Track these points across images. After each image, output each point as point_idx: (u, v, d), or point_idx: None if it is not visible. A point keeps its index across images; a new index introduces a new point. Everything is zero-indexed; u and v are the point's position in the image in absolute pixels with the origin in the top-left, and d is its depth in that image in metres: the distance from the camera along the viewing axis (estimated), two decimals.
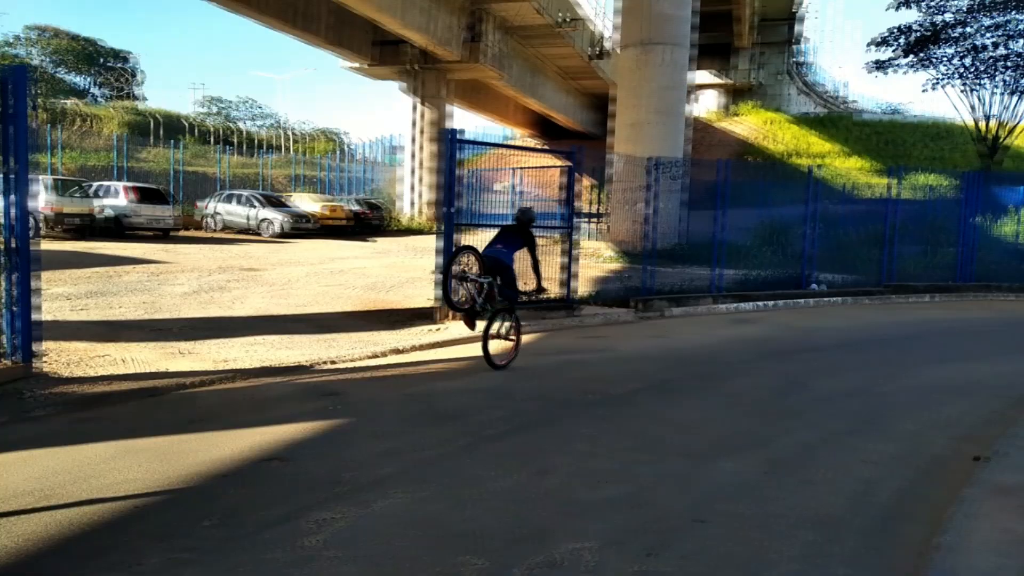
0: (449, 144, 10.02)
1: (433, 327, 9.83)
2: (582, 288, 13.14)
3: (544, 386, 7.28)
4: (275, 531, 3.77)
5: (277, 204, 23.46)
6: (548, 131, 44.69)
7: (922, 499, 4.52)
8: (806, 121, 45.28)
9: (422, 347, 8.76)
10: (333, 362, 7.83)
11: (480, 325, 8.00)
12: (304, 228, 22.49)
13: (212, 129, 40.58)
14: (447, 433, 5.55)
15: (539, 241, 8.89)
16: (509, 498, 4.35)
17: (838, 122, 46.15)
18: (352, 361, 7.97)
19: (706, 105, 48.54)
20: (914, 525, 4.13)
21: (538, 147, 33.29)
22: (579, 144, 12.79)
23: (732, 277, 14.51)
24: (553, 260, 11.65)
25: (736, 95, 49.24)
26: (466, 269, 7.82)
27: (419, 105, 28.66)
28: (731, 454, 5.26)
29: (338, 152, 47.83)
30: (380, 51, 27.57)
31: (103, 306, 10.03)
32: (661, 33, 19.75)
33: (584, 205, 27.28)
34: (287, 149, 42.75)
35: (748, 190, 20.03)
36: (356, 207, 26.29)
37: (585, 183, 27.95)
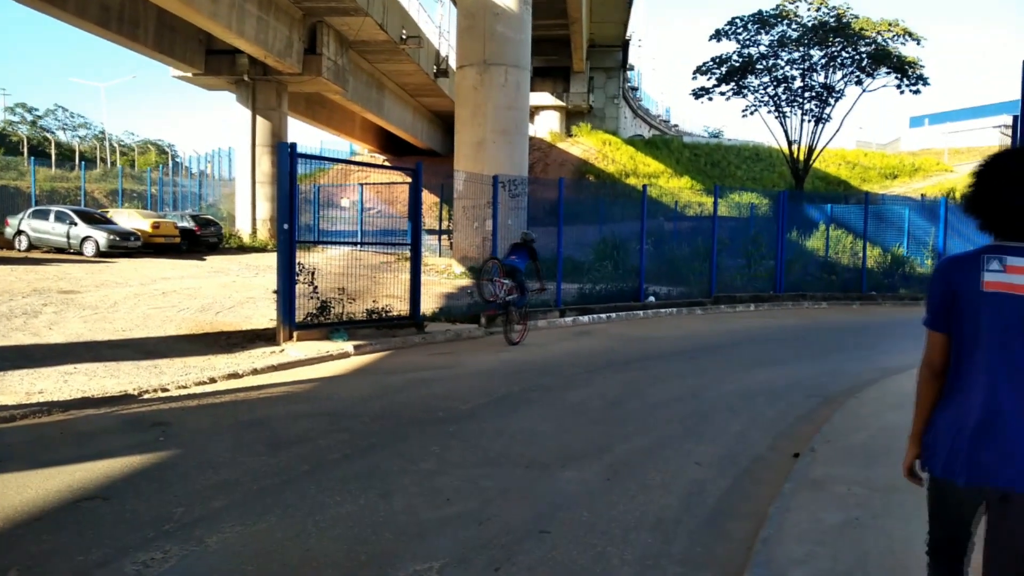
0: (286, 158, 9.68)
1: (273, 349, 9.42)
2: (431, 304, 13.12)
3: (390, 405, 7.16)
4: None
5: (97, 221, 21.65)
6: (394, 147, 44.35)
7: (747, 496, 4.85)
8: (638, 143, 47.87)
9: (260, 371, 8.36)
10: (162, 390, 7.31)
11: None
12: (128, 246, 20.89)
13: (21, 139, 36.91)
14: (286, 460, 5.32)
15: (387, 258, 11.27)
16: (352, 523, 4.22)
17: (667, 144, 49.17)
18: (183, 388, 7.47)
19: (547, 126, 50.10)
20: (740, 521, 4.42)
21: (381, 163, 33.01)
22: (425, 161, 12.79)
23: (574, 291, 15.02)
24: (401, 277, 11.55)
25: (575, 117, 51.21)
26: (491, 277, 10.93)
27: (256, 117, 27.55)
28: (573, 463, 5.40)
29: (169, 165, 45.02)
30: (212, 60, 26.28)
31: None
32: (501, 55, 20.20)
33: (432, 222, 27.33)
34: (111, 162, 39.66)
35: (587, 208, 20.94)
36: (187, 224, 24.79)
37: (432, 199, 28.04)
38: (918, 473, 2.47)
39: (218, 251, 24.35)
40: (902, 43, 28.44)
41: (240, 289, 14.79)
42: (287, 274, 9.71)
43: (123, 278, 15.48)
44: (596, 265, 16.54)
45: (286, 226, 9.71)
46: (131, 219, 23.15)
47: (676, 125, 67.63)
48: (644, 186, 17.67)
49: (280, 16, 23.89)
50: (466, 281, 17.28)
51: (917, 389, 2.43)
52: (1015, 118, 5.17)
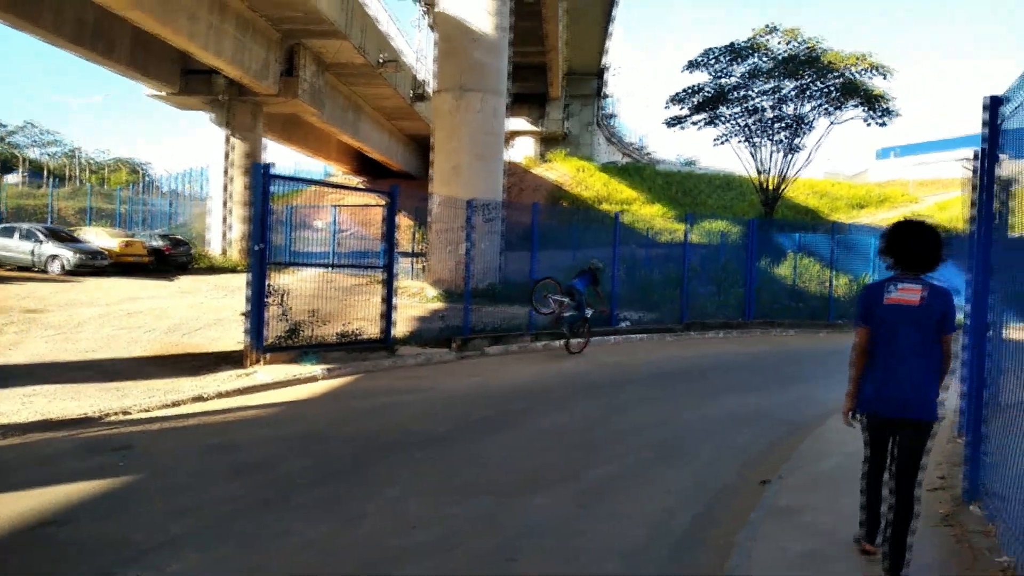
0: (259, 179, 9.62)
1: (241, 372, 9.27)
2: (403, 328, 13.02)
3: (358, 430, 7.08)
4: None
5: (65, 239, 21.29)
6: (370, 170, 44.29)
7: (715, 524, 4.84)
8: (612, 170, 48.30)
9: (227, 394, 8.22)
10: (124, 413, 7.15)
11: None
12: (96, 265, 20.52)
13: None
14: (251, 485, 5.22)
15: (360, 280, 11.29)
16: (315, 551, 4.15)
17: (641, 172, 49.65)
18: (146, 411, 7.31)
19: (523, 151, 50.44)
20: (708, 551, 4.40)
21: (356, 185, 32.91)
22: (401, 184, 12.79)
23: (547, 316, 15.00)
24: (374, 300, 11.47)
25: (550, 143, 51.63)
26: (547, 293, 12.81)
27: (231, 138, 27.39)
28: (542, 490, 5.36)
29: (141, 184, 44.52)
30: (189, 80, 26.12)
31: None
32: (478, 80, 20.35)
33: (406, 244, 27.27)
34: (81, 179, 39.15)
35: (562, 233, 21.02)
36: (157, 243, 24.46)
37: (407, 222, 27.98)
38: (851, 422, 3.89)
39: (188, 271, 24.04)
40: (870, 76, 29.07)
41: (209, 310, 14.59)
42: (257, 296, 9.60)
43: (89, 298, 15.22)
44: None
45: (257, 247, 9.61)
46: (99, 237, 22.81)
47: (650, 153, 68.38)
48: (617, 212, 17.81)
49: (258, 37, 23.89)
50: (439, 304, 17.21)
51: (850, 362, 3.82)
52: (976, 152, 5.30)
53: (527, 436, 7.06)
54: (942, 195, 47.28)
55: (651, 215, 33.08)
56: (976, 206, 5.12)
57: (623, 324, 16.07)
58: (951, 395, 6.48)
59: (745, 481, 5.79)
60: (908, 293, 3.64)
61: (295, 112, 29.52)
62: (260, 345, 9.67)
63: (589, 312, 13.12)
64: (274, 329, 9.94)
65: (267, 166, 9.89)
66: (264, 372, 9.25)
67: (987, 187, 4.96)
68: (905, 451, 3.63)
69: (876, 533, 3.87)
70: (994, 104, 4.78)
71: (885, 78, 29.16)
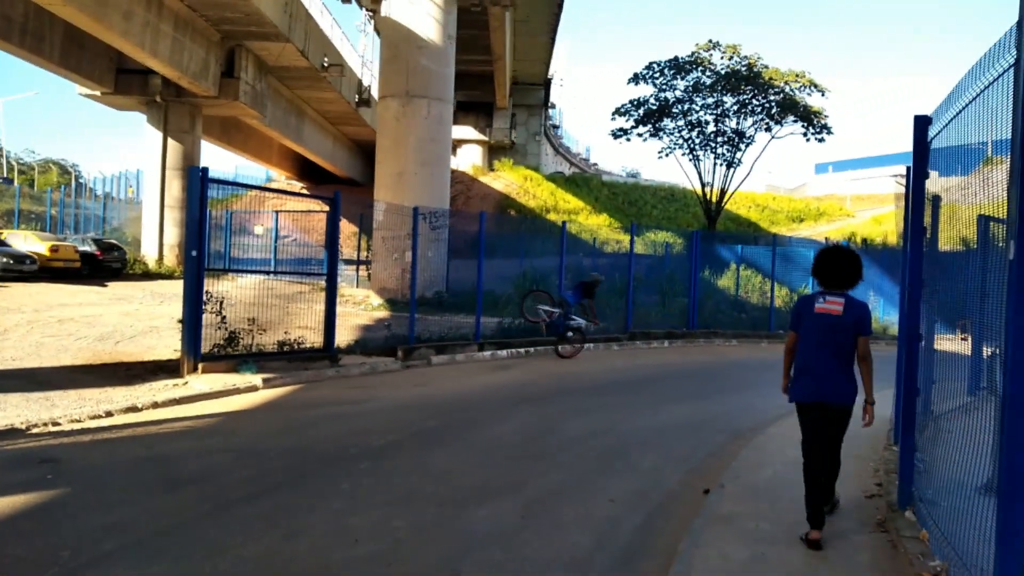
0: (197, 183, 9.36)
1: (176, 381, 8.98)
2: (347, 337, 12.83)
3: (299, 441, 6.92)
4: None
5: None
6: (313, 175, 43.63)
7: (659, 533, 4.87)
8: (559, 180, 48.71)
9: (162, 404, 7.95)
10: (53, 424, 6.85)
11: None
12: (23, 270, 19.64)
13: None
14: (186, 499, 5.04)
15: (302, 288, 11.34)
16: (254, 566, 4.02)
17: (587, 182, 50.23)
18: (76, 422, 7.02)
19: (470, 159, 50.42)
20: (652, 559, 4.43)
21: (298, 191, 32.36)
22: (345, 190, 12.60)
23: (494, 325, 14.98)
24: (316, 308, 11.26)
25: (497, 152, 51.75)
26: (539, 302, 13.98)
27: (167, 140, 26.63)
28: (487, 500, 5.32)
29: (72, 186, 42.93)
30: (123, 80, 25.31)
31: None
32: (424, 87, 20.27)
33: (350, 252, 26.93)
34: (9, 179, 37.54)
35: (508, 242, 21.05)
36: (89, 247, 23.56)
37: (351, 229, 27.66)
38: (786, 395, 4.82)
39: (122, 277, 23.22)
40: (808, 93, 30.04)
41: (143, 318, 14.12)
42: (194, 303, 9.33)
43: (16, 304, 14.55)
44: (516, 299, 16.58)
45: (194, 252, 9.34)
46: (27, 242, 21.85)
47: (596, 164, 69.23)
48: (564, 222, 17.91)
49: (197, 38, 23.32)
50: (384, 313, 17.02)
51: (783, 359, 4.89)
52: (907, 169, 5.49)
53: (472, 446, 7.00)
54: (877, 210, 49.03)
55: (597, 225, 33.43)
56: (907, 221, 5.30)
57: (569, 334, 16.12)
58: (887, 404, 6.68)
59: (688, 489, 5.86)
60: (832, 305, 4.56)
61: (235, 115, 28.90)
62: (197, 354, 9.40)
63: (582, 322, 13.99)
64: (211, 337, 9.68)
65: (204, 169, 9.63)
66: (201, 382, 8.98)
67: (917, 203, 5.14)
68: (830, 426, 4.58)
69: (821, 520, 4.49)
70: (922, 123, 4.96)
71: (822, 95, 30.19)
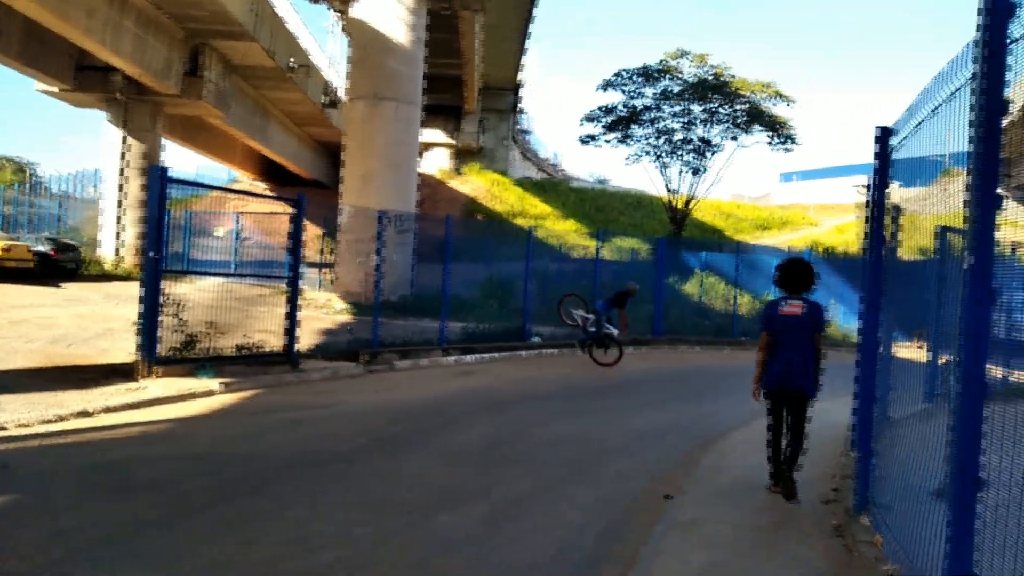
0: (156, 182, 9.17)
1: (131, 386, 8.76)
2: (309, 341, 12.65)
3: (257, 447, 6.79)
4: None
5: None
6: (277, 177, 43.07)
7: (621, 539, 4.86)
8: (527, 185, 48.75)
9: (115, 408, 7.74)
10: (1, 428, 6.62)
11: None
12: None
13: None
14: (139, 506, 4.91)
15: (263, 291, 11.11)
16: (209, 575, 3.91)
17: (555, 187, 50.34)
18: (25, 427, 6.80)
19: (437, 163, 50.19)
20: (614, 565, 4.41)
21: (262, 192, 31.91)
22: (310, 192, 12.45)
23: (459, 330, 14.92)
24: (277, 311, 11.09)
25: (465, 156, 51.59)
26: (573, 306, 14.69)
27: (128, 138, 26.10)
28: (452, 507, 5.26)
29: (27, 184, 41.83)
30: (84, 76, 24.76)
31: None
32: (392, 89, 20.15)
33: (314, 255, 26.61)
34: None
35: (475, 246, 20.99)
36: (43, 247, 22.93)
37: (315, 232, 27.35)
38: (758, 397, 5.59)
39: (77, 278, 22.65)
40: (775, 103, 30.47)
41: (98, 320, 13.79)
42: (151, 305, 9.12)
43: None
44: (482, 304, 16.53)
45: (152, 254, 9.14)
46: None
47: (564, 169, 69.38)
48: (530, 227, 17.92)
49: (160, 35, 22.91)
50: (348, 317, 16.85)
51: (757, 357, 5.55)
52: (869, 179, 5.57)
53: (437, 452, 6.94)
54: (840, 219, 49.86)
55: (564, 231, 33.54)
56: (868, 230, 5.38)
57: (535, 339, 16.14)
58: (846, 410, 6.76)
59: (651, 495, 5.85)
60: (793, 307, 5.43)
61: (199, 114, 28.45)
62: (153, 357, 9.18)
63: (614, 330, 13.92)
64: (168, 340, 9.46)
65: (164, 169, 9.43)
66: (156, 386, 8.78)
67: (878, 212, 5.22)
68: (795, 413, 5.40)
69: (779, 474, 5.44)
70: (884, 135, 5.04)
71: (788, 105, 30.65)
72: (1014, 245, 3.40)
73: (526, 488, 5.87)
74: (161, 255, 9.21)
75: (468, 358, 14.05)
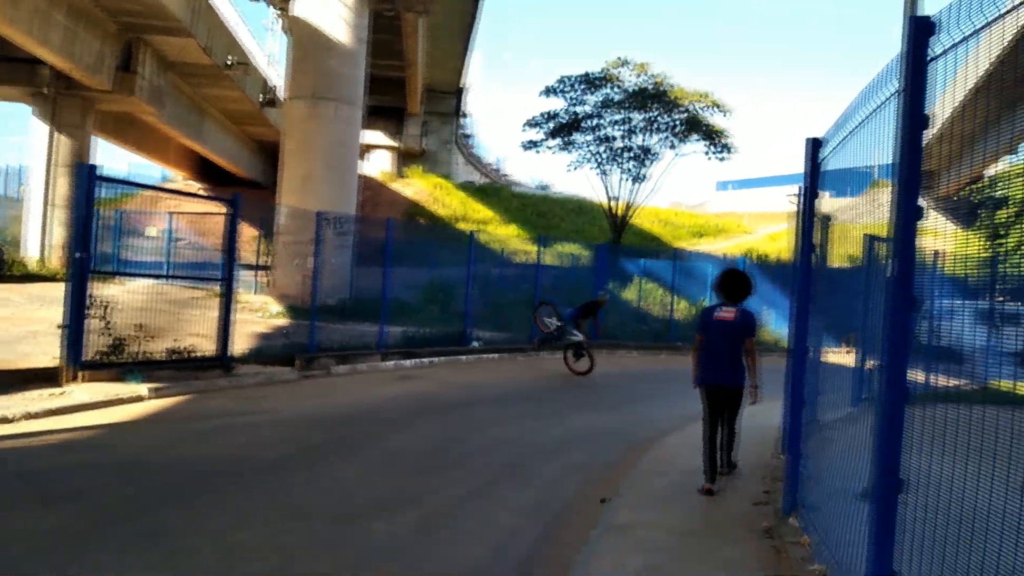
0: (84, 181, 8.82)
1: (54, 391, 8.39)
2: (243, 345, 12.33)
3: (186, 455, 6.58)
4: None
5: None
6: (213, 176, 41.95)
7: (556, 543, 4.87)
8: (470, 189, 48.67)
9: (37, 415, 7.39)
10: None
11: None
12: None
13: None
14: (61, 517, 4.70)
15: (196, 293, 10.83)
16: None
17: (498, 192, 50.40)
18: None
19: (380, 165, 49.67)
20: (548, 569, 4.42)
21: (196, 192, 31.03)
22: (248, 193, 12.16)
23: (399, 334, 14.77)
24: (210, 314, 10.77)
25: (408, 159, 51.20)
26: (547, 314, 14.63)
27: (55, 134, 25.09)
28: (384, 514, 5.19)
29: None
30: (7, 68, 23.71)
31: None
32: (332, 90, 19.85)
33: (250, 256, 25.99)
34: None
35: (416, 249, 20.82)
36: None
37: (251, 233, 26.70)
38: (696, 388, 6.07)
39: (0, 279, 21.67)
40: (712, 113, 31.11)
41: (21, 322, 13.19)
42: (77, 307, 8.75)
43: None
44: (423, 308, 16.39)
45: (80, 254, 8.78)
46: None
47: (507, 175, 69.54)
48: (472, 232, 17.89)
49: (92, 28, 22.09)
50: (284, 321, 16.50)
51: (692, 356, 6.15)
52: (800, 188, 5.73)
53: (371, 459, 6.84)
54: (773, 227, 51.15)
55: (507, 236, 33.54)
56: (799, 239, 5.53)
57: (476, 343, 16.10)
58: (777, 414, 6.92)
59: (587, 499, 5.89)
60: (727, 313, 5.98)
61: (131, 111, 27.54)
62: (79, 361, 8.82)
63: (580, 336, 13.95)
64: (95, 344, 9.09)
65: (93, 167, 9.09)
66: (82, 391, 8.43)
67: (808, 221, 5.37)
68: (730, 406, 6.05)
69: (715, 476, 5.83)
70: (815, 145, 5.19)
71: (725, 115, 31.33)
72: (936, 254, 3.53)
73: (460, 493, 5.84)
74: (89, 255, 8.85)
75: (408, 363, 13.91)
